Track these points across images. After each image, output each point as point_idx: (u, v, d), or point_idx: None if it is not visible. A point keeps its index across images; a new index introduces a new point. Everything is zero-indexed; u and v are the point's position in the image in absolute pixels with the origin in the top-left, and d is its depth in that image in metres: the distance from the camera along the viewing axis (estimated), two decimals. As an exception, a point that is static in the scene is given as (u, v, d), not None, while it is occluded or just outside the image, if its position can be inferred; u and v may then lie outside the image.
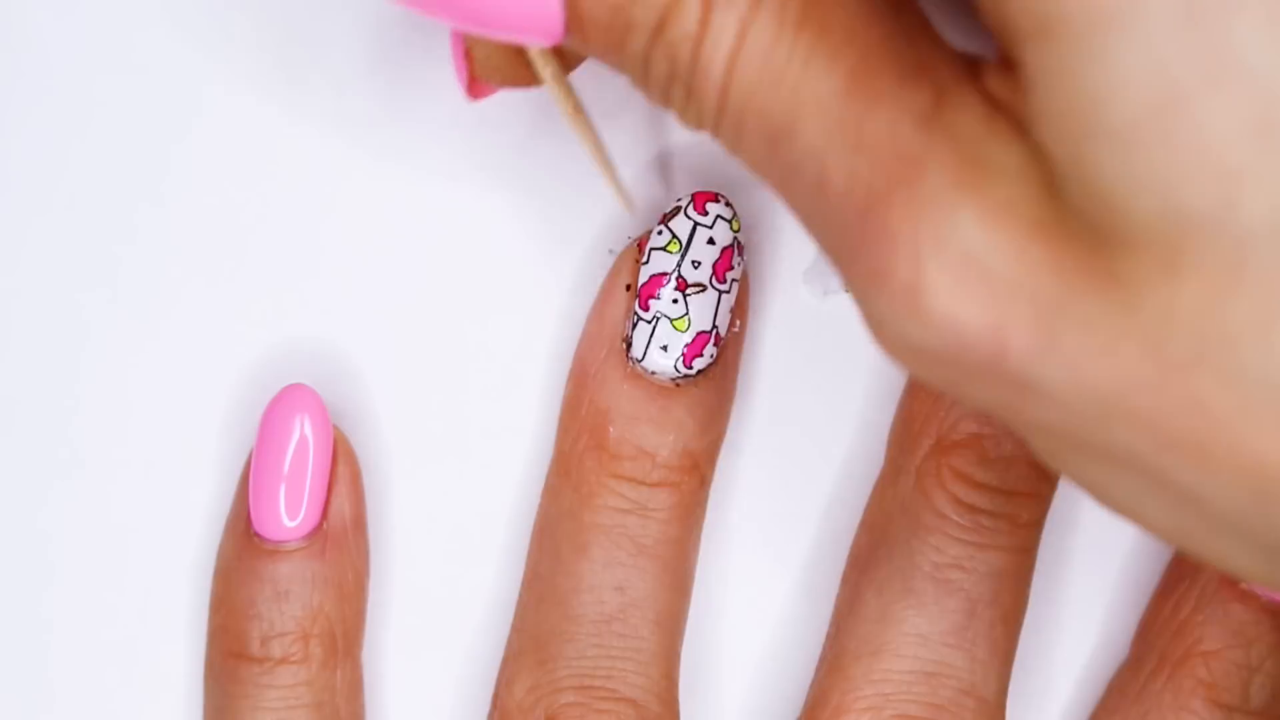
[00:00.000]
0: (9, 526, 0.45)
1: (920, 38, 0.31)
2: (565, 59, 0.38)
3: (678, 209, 0.42)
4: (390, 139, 0.44)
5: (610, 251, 0.44)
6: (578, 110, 0.39)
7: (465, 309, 0.45)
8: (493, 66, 0.38)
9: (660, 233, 0.42)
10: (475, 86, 0.39)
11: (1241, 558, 0.31)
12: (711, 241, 0.42)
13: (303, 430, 0.42)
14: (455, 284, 0.45)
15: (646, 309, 0.42)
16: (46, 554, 0.45)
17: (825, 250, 0.32)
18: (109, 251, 0.45)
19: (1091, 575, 0.44)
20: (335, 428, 0.43)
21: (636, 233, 0.44)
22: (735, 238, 0.42)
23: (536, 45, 0.35)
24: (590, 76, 0.40)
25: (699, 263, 0.42)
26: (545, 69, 0.38)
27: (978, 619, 0.42)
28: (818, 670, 0.43)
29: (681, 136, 0.44)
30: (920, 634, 0.42)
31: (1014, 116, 0.30)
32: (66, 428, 0.45)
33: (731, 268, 0.42)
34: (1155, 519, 0.31)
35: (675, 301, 0.42)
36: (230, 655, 0.43)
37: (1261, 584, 0.32)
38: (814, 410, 0.45)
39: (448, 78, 0.44)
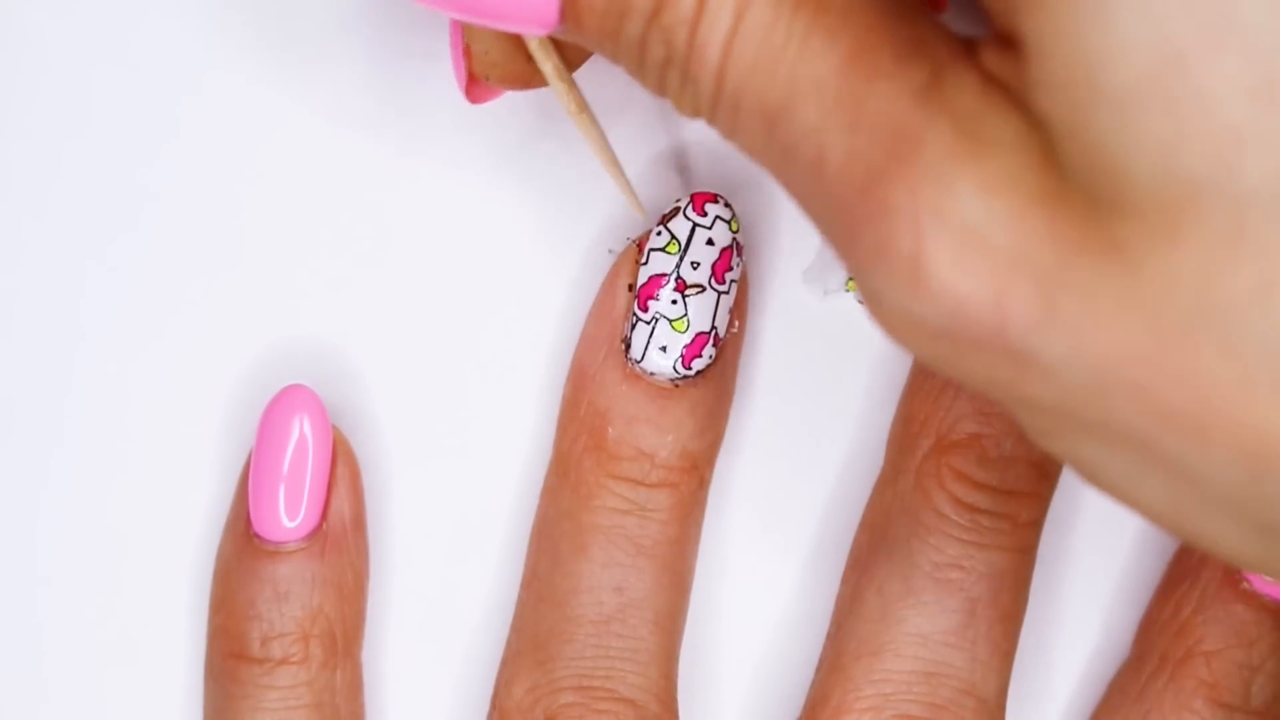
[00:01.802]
0: (8, 527, 0.45)
1: (915, 16, 0.31)
2: (568, 56, 0.38)
3: (676, 210, 0.42)
4: (390, 138, 0.44)
5: (610, 251, 0.44)
6: (582, 108, 0.39)
7: (465, 309, 0.45)
8: (491, 62, 0.38)
9: (659, 233, 0.42)
10: (474, 88, 0.39)
11: (1235, 539, 0.31)
12: (710, 242, 0.42)
13: (302, 430, 0.42)
14: (455, 284, 0.45)
15: (645, 310, 0.42)
16: (45, 555, 0.45)
17: (823, 230, 0.32)
18: (107, 251, 0.44)
19: (1091, 575, 0.44)
20: (334, 428, 0.43)
21: (637, 233, 0.44)
22: (734, 238, 0.42)
23: (534, 34, 0.35)
24: (588, 81, 0.40)
25: (698, 263, 0.42)
26: (546, 63, 0.38)
27: (978, 618, 0.42)
28: (818, 670, 0.43)
29: (680, 137, 0.44)
30: (920, 634, 0.42)
31: (1010, 91, 0.30)
32: (65, 428, 0.45)
33: (730, 268, 0.42)
34: (1149, 500, 0.31)
35: (674, 302, 0.42)
36: (230, 656, 0.42)
37: (1254, 568, 0.31)
38: (813, 410, 0.45)
39: (448, 76, 0.44)
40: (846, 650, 0.42)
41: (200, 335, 0.45)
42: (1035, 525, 0.42)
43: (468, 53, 0.38)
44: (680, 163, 0.44)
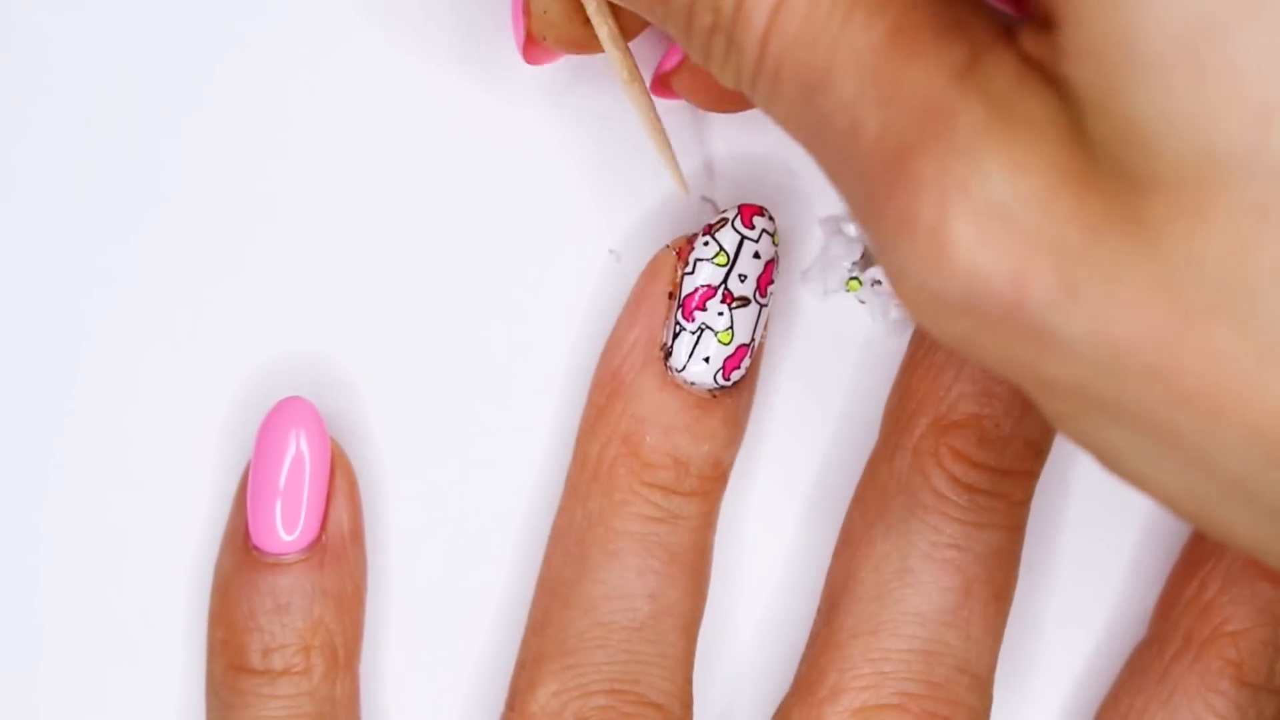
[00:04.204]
0: (5, 539, 0.44)
1: None
2: (624, 23, 0.39)
3: (724, 221, 0.42)
4: (391, 147, 0.44)
5: (610, 252, 0.44)
6: (634, 76, 0.39)
7: (462, 320, 0.44)
8: (549, 23, 0.39)
9: (706, 243, 0.42)
10: (531, 49, 0.39)
11: (1248, 525, 0.31)
12: (757, 255, 0.42)
13: (299, 443, 0.42)
14: (452, 295, 0.44)
15: (691, 319, 0.41)
16: (43, 567, 0.44)
17: (850, 202, 0.32)
18: (106, 261, 0.44)
19: (1103, 556, 0.45)
20: (332, 440, 0.43)
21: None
22: (775, 251, 0.42)
23: None
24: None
25: (745, 276, 0.42)
26: (602, 27, 0.38)
27: (973, 597, 0.42)
28: (809, 646, 0.43)
29: (711, 149, 0.44)
30: (918, 613, 0.42)
31: (1046, 72, 0.30)
32: (63, 440, 0.44)
33: (772, 281, 0.42)
34: (1164, 485, 0.31)
35: (721, 314, 0.41)
36: (231, 668, 0.42)
37: (1267, 557, 0.32)
38: (813, 410, 0.45)
39: (451, 81, 0.43)
40: (843, 628, 0.42)
41: (198, 346, 0.44)
42: (1027, 503, 0.43)
43: (528, 11, 0.39)
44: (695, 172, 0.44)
